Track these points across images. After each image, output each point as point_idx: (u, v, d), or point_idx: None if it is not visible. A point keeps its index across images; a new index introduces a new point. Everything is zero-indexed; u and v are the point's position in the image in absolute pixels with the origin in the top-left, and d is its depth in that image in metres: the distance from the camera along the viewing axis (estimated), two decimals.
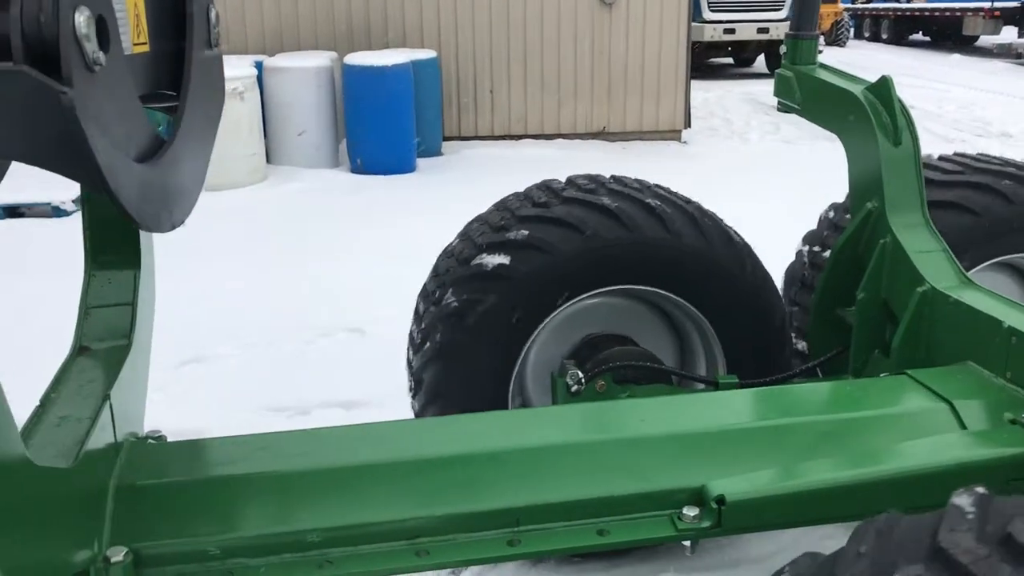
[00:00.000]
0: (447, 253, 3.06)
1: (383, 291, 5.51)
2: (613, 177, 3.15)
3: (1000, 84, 16.61)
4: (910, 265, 2.60)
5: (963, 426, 2.11)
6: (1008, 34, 25.20)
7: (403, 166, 9.62)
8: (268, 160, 9.62)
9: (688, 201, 3.01)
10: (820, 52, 3.28)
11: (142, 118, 1.46)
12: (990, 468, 1.97)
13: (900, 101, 2.78)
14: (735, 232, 2.95)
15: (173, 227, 1.59)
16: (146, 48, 1.54)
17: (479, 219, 3.11)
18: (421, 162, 9.85)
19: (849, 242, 2.85)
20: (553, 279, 2.75)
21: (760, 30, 18.43)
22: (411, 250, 6.00)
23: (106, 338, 2.05)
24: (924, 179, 2.80)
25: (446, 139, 10.67)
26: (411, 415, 3.01)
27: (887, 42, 29.86)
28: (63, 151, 1.12)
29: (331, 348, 4.94)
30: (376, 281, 5.83)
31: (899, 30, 29.34)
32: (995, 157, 3.43)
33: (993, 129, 11.52)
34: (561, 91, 10.99)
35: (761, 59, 20.50)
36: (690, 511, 1.88)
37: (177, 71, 1.70)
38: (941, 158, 3.42)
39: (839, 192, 3.36)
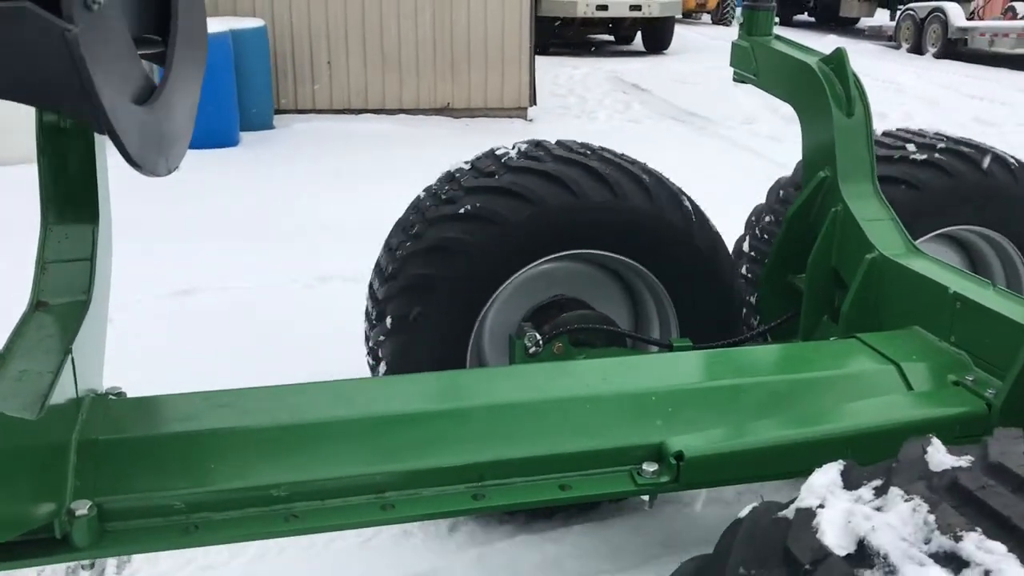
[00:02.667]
0: (398, 227, 3.05)
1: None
2: (558, 142, 3.17)
3: (863, 65, 16.85)
4: (860, 233, 2.68)
5: (909, 387, 2.19)
6: (881, 16, 25.80)
7: (224, 139, 9.04)
8: None
9: (634, 163, 3.04)
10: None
11: (137, 60, 1.44)
12: (934, 427, 2.05)
13: (854, 73, 2.85)
14: (684, 193, 2.99)
15: (168, 171, 1.58)
16: None
17: (427, 192, 3.11)
18: (247, 136, 9.32)
19: (801, 210, 2.92)
20: (503, 249, 2.77)
21: (632, 7, 18.22)
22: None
23: (64, 293, 2.02)
24: None
25: (281, 112, 10.27)
26: None
27: None
28: (67, 90, 1.12)
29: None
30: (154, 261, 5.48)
31: (784, 10, 29.38)
32: (935, 132, 3.53)
33: None
34: (403, 65, 10.62)
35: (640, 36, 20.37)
36: (649, 467, 1.93)
37: (162, 15, 1.68)
38: (885, 133, 3.51)
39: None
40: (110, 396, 2.03)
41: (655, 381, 2.18)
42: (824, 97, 2.83)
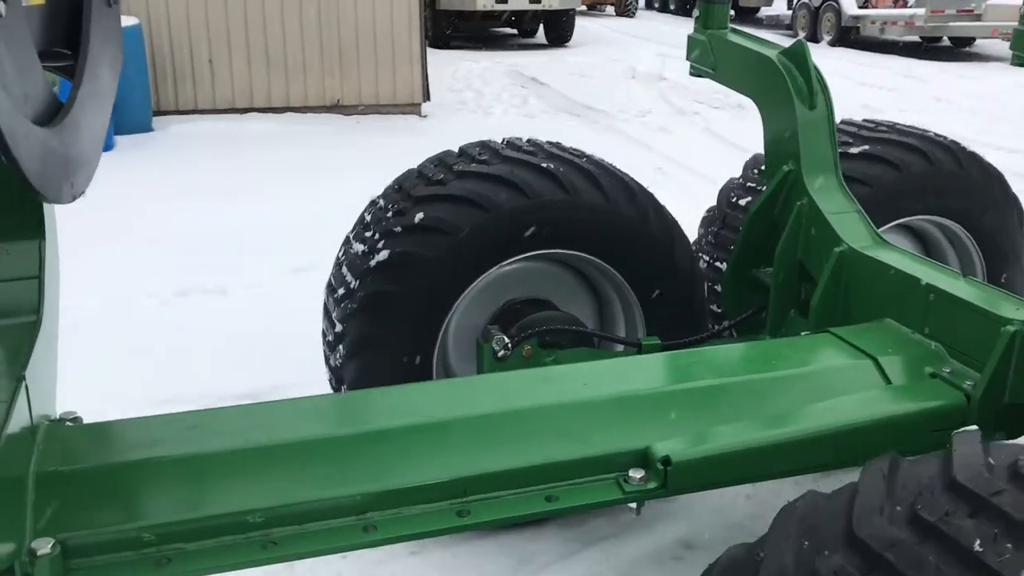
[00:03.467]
0: (347, 244, 2.96)
1: None
2: (507, 142, 3.11)
3: None
4: (827, 226, 2.67)
5: (887, 381, 2.19)
6: (779, 5, 26.20)
7: None
8: None
9: (582, 156, 3.00)
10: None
11: (40, 77, 1.34)
12: (915, 421, 2.05)
13: (815, 66, 2.84)
14: (637, 184, 2.96)
15: (73, 198, 1.47)
16: (42, 0, 1.42)
17: (374, 203, 3.03)
18: (122, 140, 8.71)
19: (766, 204, 2.90)
20: (459, 259, 2.71)
21: (533, 0, 18.18)
22: None
23: (13, 314, 1.89)
24: None
25: (162, 113, 9.81)
26: None
27: (675, 13, 30.22)
28: None
29: None
30: None
31: (685, 1, 29.60)
32: (887, 124, 3.55)
33: (731, 100, 11.68)
34: (288, 62, 10.22)
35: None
36: (636, 473, 1.88)
37: (73, 27, 1.57)
38: (841, 123, 3.51)
39: None
40: (67, 423, 1.91)
41: (636, 384, 2.14)
42: (786, 90, 2.82)
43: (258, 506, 1.70)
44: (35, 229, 2.02)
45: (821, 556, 1.14)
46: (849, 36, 19.00)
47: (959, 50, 18.52)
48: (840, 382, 2.18)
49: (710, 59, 3.20)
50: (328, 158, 8.37)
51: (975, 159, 3.35)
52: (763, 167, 3.10)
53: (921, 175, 3.23)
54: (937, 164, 3.25)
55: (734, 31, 3.22)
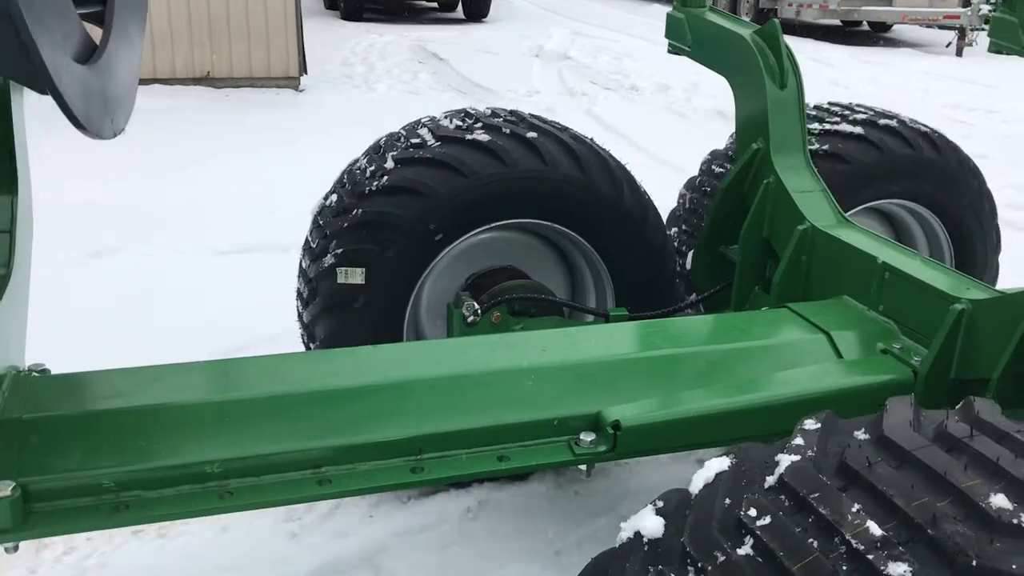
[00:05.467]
0: (325, 204, 3.00)
1: None
2: (491, 110, 3.15)
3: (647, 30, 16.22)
4: (792, 204, 2.72)
5: (839, 355, 2.24)
6: None
7: None
8: None
9: (563, 129, 3.04)
10: None
11: (75, 18, 1.38)
12: (863, 394, 2.11)
13: (787, 45, 2.87)
14: (615, 160, 3.00)
15: (114, 134, 1.51)
16: None
17: (352, 168, 3.06)
18: None
19: (735, 182, 2.95)
20: (434, 222, 2.75)
21: None
22: None
23: None
24: None
25: None
26: None
27: None
28: (6, 49, 1.06)
29: None
30: None
31: None
32: (865, 106, 3.59)
33: (627, 82, 11.43)
34: (154, 31, 9.58)
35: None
36: (587, 436, 1.94)
37: None
38: (816, 107, 3.55)
39: None
40: (33, 373, 1.96)
41: (593, 352, 2.19)
42: (757, 69, 2.86)
43: (216, 457, 1.76)
44: (7, 185, 2.06)
45: (749, 496, 1.19)
46: (767, 18, 18.66)
47: (878, 35, 18.39)
48: (793, 355, 2.23)
49: (687, 37, 3.23)
50: (199, 129, 8.06)
51: (953, 149, 3.39)
52: None
53: (901, 158, 3.27)
54: (917, 149, 3.29)
55: (711, 10, 3.25)
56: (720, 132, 6.00)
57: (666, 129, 8.87)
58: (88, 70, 1.36)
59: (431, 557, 2.72)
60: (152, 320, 4.17)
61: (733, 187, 2.96)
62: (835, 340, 2.26)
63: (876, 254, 2.41)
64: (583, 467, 2.00)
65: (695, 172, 3.68)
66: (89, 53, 1.41)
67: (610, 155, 3.01)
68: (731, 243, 3.04)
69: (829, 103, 3.59)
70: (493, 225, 2.88)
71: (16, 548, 1.64)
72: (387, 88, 10.83)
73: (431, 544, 2.78)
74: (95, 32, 1.57)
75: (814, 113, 3.40)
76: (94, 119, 1.37)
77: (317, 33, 13.28)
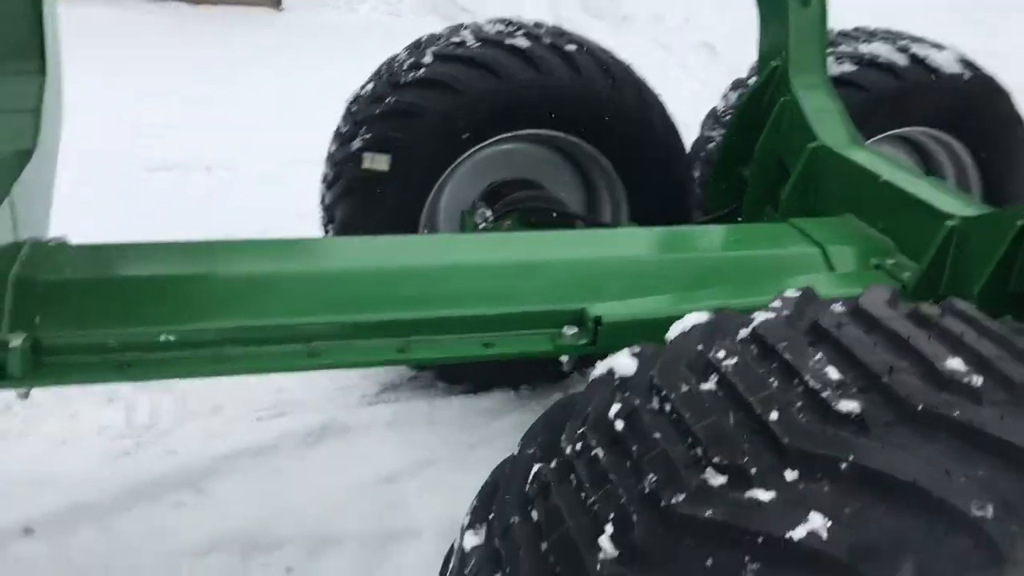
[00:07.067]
0: (360, 92, 3.07)
1: None
2: (535, 22, 3.17)
3: None
4: (805, 122, 2.72)
5: (832, 269, 2.27)
6: None
7: None
8: None
9: (603, 50, 3.05)
10: None
11: None
12: None
13: None
14: (615, 61, 3.01)
15: None
16: None
17: (391, 60, 3.12)
18: None
19: (753, 100, 2.95)
20: (463, 117, 2.80)
21: None
22: None
23: (6, 144, 2.06)
24: None
25: None
26: None
27: None
28: None
29: None
30: None
31: None
32: (890, 31, 3.51)
33: (620, 12, 10.31)
34: None
35: None
36: (569, 330, 2.01)
37: None
38: (840, 33, 3.49)
39: None
40: (51, 243, 2.09)
41: (587, 253, 2.26)
42: None
43: (215, 326, 1.88)
44: (36, 67, 2.17)
45: (721, 342, 1.27)
46: None
47: None
48: (785, 266, 2.27)
49: None
50: (166, 52, 7.78)
51: (980, 74, 3.33)
52: None
53: (924, 86, 3.23)
54: (941, 76, 3.24)
55: None
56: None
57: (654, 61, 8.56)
58: None
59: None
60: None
61: (751, 105, 2.96)
62: (829, 254, 2.29)
63: (879, 172, 2.41)
64: (564, 359, 2.08)
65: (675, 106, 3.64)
66: None
67: (612, 56, 3.03)
68: (747, 163, 3.04)
69: (854, 28, 3.52)
70: (518, 134, 2.94)
71: (27, 395, 1.79)
72: (369, 9, 10.51)
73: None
74: None
75: (840, 38, 3.36)
76: None
77: None
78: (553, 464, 1.24)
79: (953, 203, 2.23)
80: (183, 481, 2.82)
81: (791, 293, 1.37)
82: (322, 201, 3.10)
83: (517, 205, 2.91)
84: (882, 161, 2.55)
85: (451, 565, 1.32)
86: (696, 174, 3.54)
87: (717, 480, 1.05)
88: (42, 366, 1.76)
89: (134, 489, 2.76)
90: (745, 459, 1.05)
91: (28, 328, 1.76)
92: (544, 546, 1.15)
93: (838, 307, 1.33)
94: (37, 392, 3.22)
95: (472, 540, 1.30)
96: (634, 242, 2.41)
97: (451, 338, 2.00)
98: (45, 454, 2.93)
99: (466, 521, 1.35)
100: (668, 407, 1.18)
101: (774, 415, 1.08)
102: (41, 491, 2.71)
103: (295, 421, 3.20)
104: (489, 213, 2.85)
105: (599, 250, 2.29)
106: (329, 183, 3.00)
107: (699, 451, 1.08)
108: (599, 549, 1.07)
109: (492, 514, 1.29)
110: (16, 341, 1.70)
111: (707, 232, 2.58)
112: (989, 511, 0.97)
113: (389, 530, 2.73)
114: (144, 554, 2.56)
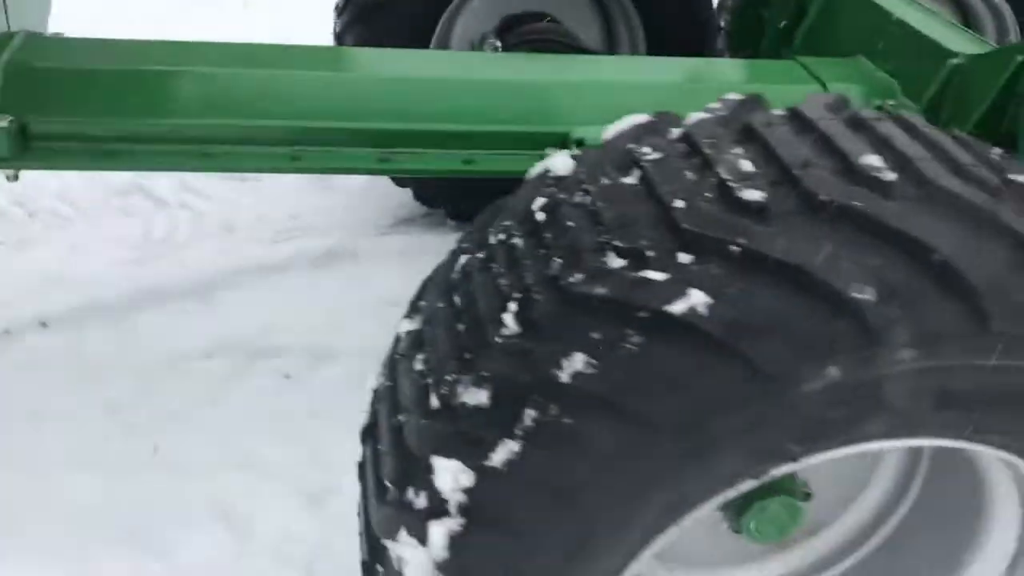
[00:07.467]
0: None
1: None
2: None
3: None
4: None
5: None
6: None
7: None
8: None
9: None
10: None
11: None
12: None
13: None
14: None
15: None
16: None
17: None
18: None
19: None
20: None
21: None
22: None
23: None
24: None
25: None
26: None
27: None
28: None
29: None
30: None
31: None
32: None
33: None
34: None
35: None
36: (552, 152, 2.01)
37: None
38: None
39: None
40: (47, 36, 2.12)
41: (579, 76, 2.22)
42: None
43: (202, 122, 1.91)
44: None
45: (650, 139, 1.28)
46: None
47: None
48: (779, 99, 2.21)
49: None
50: None
51: None
52: None
53: None
54: None
55: None
56: None
57: None
58: None
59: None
60: None
61: None
62: (829, 91, 2.23)
63: (892, 10, 2.32)
64: None
65: None
66: None
67: None
68: (767, 5, 2.94)
69: None
70: None
71: (16, 176, 1.87)
72: None
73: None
74: None
75: None
76: None
77: None
78: (479, 255, 1.28)
79: (962, 43, 2.15)
80: (191, 291, 2.94)
81: (734, 96, 1.35)
82: (333, 30, 3.07)
83: (527, 38, 2.86)
84: (901, 2, 2.44)
85: (387, 351, 1.39)
86: (721, 23, 3.43)
87: (616, 263, 1.08)
88: (29, 150, 1.82)
89: (144, 294, 2.89)
90: (643, 243, 1.07)
91: (16, 111, 1.81)
92: (459, 326, 1.20)
93: (777, 111, 1.31)
94: (56, 202, 3.38)
95: (406, 325, 1.36)
96: (632, 69, 2.37)
97: (433, 152, 2.01)
98: (63, 259, 3.06)
99: (406, 312, 1.41)
100: (588, 200, 1.20)
101: (679, 203, 1.10)
102: (57, 290, 2.86)
103: (307, 243, 3.28)
104: (499, 45, 2.80)
105: (591, 75, 2.25)
106: (340, 10, 2.98)
107: (605, 238, 1.11)
108: (502, 324, 1.12)
109: (424, 302, 1.35)
110: (3, 122, 1.76)
111: (708, 63, 2.51)
112: (871, 295, 0.99)
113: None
114: (151, 353, 2.70)
